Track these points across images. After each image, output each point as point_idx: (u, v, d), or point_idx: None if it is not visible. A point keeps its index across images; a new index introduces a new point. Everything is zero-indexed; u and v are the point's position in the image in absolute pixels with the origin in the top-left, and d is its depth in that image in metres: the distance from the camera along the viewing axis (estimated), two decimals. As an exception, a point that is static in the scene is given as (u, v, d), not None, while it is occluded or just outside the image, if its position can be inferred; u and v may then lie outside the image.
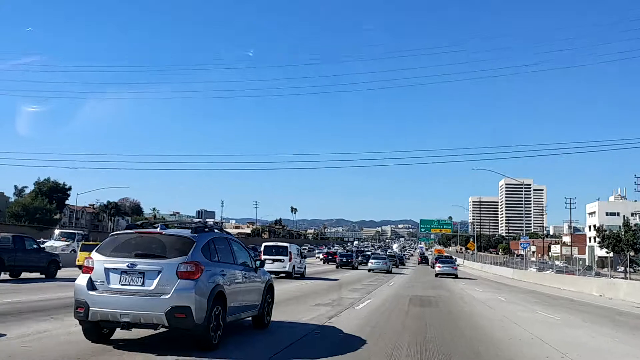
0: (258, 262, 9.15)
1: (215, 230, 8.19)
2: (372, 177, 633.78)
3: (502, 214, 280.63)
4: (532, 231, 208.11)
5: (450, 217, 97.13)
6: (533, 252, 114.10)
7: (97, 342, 7.16)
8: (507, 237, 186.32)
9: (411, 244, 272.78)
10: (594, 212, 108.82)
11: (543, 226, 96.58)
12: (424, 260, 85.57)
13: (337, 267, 43.81)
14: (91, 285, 6.83)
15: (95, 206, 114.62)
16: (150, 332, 7.91)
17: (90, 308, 6.70)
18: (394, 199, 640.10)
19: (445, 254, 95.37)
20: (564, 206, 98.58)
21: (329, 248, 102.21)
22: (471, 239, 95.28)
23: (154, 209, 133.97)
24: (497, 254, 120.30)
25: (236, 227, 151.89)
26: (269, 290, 9.53)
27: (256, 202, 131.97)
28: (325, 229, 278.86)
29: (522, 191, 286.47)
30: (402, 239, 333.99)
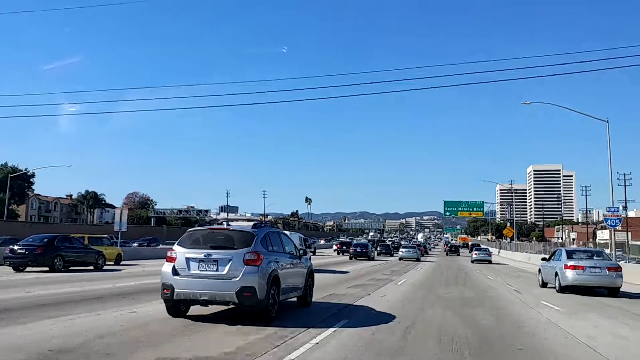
0: (301, 251, 11.22)
1: (269, 226, 10.25)
2: (397, 168, 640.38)
3: (531, 201, 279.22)
4: (563, 218, 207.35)
5: (482, 201, 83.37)
6: (573, 239, 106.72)
7: (177, 317, 9.27)
8: (539, 225, 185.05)
9: (437, 235, 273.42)
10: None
11: (587, 209, 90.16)
12: (452, 249, 75.14)
13: (350, 258, 42.34)
14: (175, 271, 8.91)
15: (72, 197, 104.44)
16: (217, 308, 10.02)
17: (175, 289, 8.79)
18: (419, 189, 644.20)
19: (471, 242, 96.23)
20: (580, 194, 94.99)
21: (331, 239, 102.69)
22: (508, 224, 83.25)
23: (150, 200, 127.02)
24: (530, 242, 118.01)
25: (248, 220, 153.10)
26: (310, 274, 11.61)
27: (264, 191, 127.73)
28: (345, 221, 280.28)
29: (550, 177, 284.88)
30: (427, 230, 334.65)
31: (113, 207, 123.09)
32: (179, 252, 9.04)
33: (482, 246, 63.01)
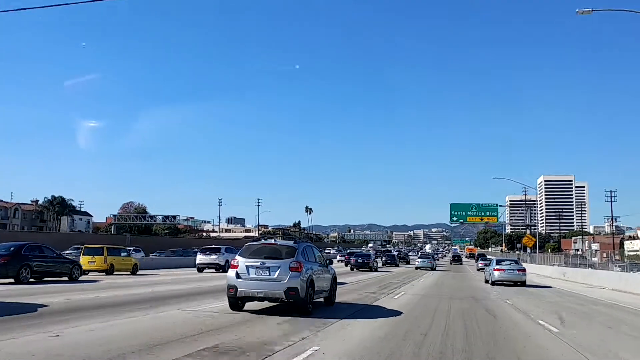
0: (328, 261, 14.62)
1: (306, 241, 13.65)
2: (405, 181, 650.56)
3: (542, 212, 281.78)
4: (582, 229, 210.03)
5: (496, 204, 70.21)
6: (596, 250, 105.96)
7: (236, 310, 12.54)
8: (553, 236, 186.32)
9: (445, 247, 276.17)
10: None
11: (612, 217, 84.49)
12: (456, 259, 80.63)
13: (351, 269, 42.26)
14: (237, 275, 12.20)
15: (39, 203, 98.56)
16: (265, 304, 13.33)
17: (239, 289, 12.08)
18: (428, 201, 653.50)
19: (478, 253, 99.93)
20: (605, 201, 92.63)
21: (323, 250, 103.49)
22: (527, 232, 74.43)
23: (138, 207, 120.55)
24: (545, 253, 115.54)
25: (246, 231, 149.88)
26: (334, 280, 14.96)
27: (259, 199, 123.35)
28: (351, 232, 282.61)
29: (561, 189, 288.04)
30: (434, 242, 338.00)
31: (88, 214, 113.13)
32: (240, 261, 12.35)
33: (488, 256, 66.81)
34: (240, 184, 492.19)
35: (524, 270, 29.52)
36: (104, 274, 29.00)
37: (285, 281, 11.93)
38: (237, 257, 12.58)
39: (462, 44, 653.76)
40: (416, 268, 49.55)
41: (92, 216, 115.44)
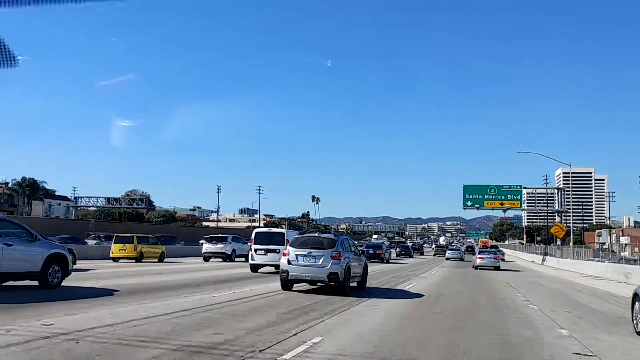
0: (360, 250, 17.86)
1: (343, 234, 16.93)
2: (420, 175, 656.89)
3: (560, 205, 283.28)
4: (595, 223, 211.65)
5: (519, 185, 63.28)
6: (626, 244, 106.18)
7: (287, 290, 15.78)
8: (573, 229, 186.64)
9: (460, 240, 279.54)
10: None
11: None
12: (469, 249, 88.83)
13: None
14: (288, 262, 15.44)
15: (8, 185, 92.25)
16: (308, 286, 16.63)
17: (290, 273, 15.34)
18: (442, 194, 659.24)
19: (491, 245, 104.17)
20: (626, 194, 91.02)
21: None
22: (557, 220, 64.45)
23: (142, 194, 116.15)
24: (580, 247, 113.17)
25: (251, 221, 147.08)
26: (365, 267, 18.17)
27: (259, 186, 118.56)
28: (362, 223, 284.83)
29: (581, 181, 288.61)
30: (448, 234, 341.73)
31: (67, 199, 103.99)
32: (291, 250, 15.59)
33: (500, 248, 72.31)
34: (255, 176, 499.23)
35: (498, 257, 39.43)
36: (134, 261, 30.89)
37: (328, 267, 15.14)
38: (288, 247, 15.86)
39: (479, 36, 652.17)
40: (446, 259, 55.95)
41: (71, 201, 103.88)
